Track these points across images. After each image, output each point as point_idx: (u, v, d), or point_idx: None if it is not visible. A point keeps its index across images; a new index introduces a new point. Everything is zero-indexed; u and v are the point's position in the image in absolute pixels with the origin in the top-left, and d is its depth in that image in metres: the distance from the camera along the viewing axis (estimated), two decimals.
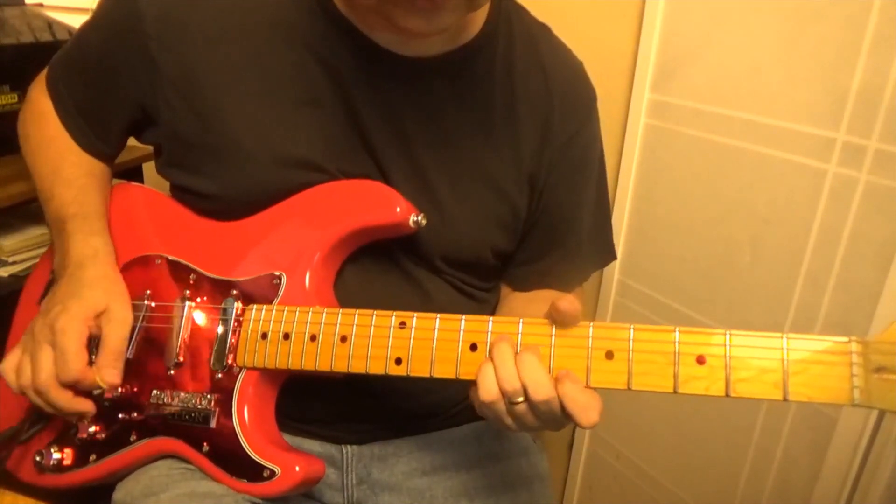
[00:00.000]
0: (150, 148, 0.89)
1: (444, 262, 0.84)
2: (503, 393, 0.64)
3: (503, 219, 0.85)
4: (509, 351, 0.64)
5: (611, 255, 0.99)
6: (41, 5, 1.45)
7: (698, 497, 1.25)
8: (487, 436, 0.95)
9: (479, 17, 0.82)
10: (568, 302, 0.63)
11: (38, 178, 0.90)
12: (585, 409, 0.63)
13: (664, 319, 1.24)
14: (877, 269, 0.93)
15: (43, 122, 0.91)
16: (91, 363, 0.77)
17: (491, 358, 0.65)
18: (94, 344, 0.78)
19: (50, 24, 1.35)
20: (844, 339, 0.57)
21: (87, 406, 0.79)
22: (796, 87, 1.00)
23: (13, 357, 0.78)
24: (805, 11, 0.98)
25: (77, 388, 0.77)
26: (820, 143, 0.98)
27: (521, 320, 0.67)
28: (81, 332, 0.76)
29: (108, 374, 0.77)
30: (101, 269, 0.81)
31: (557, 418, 0.64)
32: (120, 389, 0.81)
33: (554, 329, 0.65)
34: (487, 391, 0.64)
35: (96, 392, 0.79)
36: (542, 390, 0.63)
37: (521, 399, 0.64)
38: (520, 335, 0.66)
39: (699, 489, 1.24)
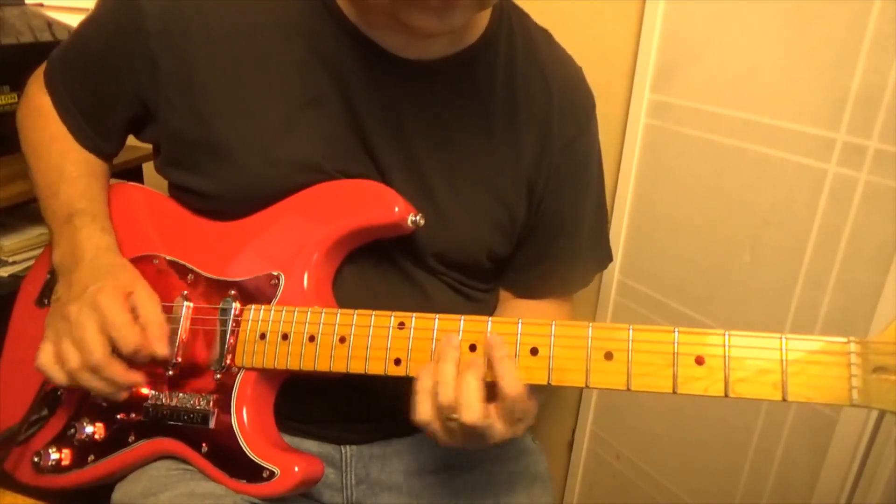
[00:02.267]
0: (150, 148, 0.89)
1: (437, 261, 0.84)
2: (439, 409, 0.67)
3: (500, 222, 0.85)
4: (452, 370, 0.67)
5: (608, 259, 1.00)
6: (41, 5, 1.46)
7: (698, 497, 1.25)
8: None
9: (482, 20, 0.82)
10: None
11: (40, 175, 0.90)
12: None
13: (664, 319, 1.24)
14: (877, 269, 0.93)
15: (42, 119, 0.91)
16: None
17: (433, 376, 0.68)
18: None
19: (50, 24, 1.36)
20: (843, 339, 0.57)
21: (139, 378, 0.78)
22: (796, 87, 1.00)
23: (47, 351, 0.77)
24: (805, 11, 0.98)
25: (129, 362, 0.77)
26: (820, 143, 0.98)
27: (521, 321, 0.67)
28: (125, 306, 0.76)
29: (161, 346, 0.77)
30: (118, 259, 0.83)
31: (482, 440, 0.68)
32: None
33: (553, 329, 0.65)
34: (422, 413, 0.68)
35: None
36: (473, 413, 0.65)
37: (455, 417, 0.66)
38: (519, 335, 0.66)
39: (699, 489, 1.24)
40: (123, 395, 0.79)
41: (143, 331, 0.76)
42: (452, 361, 0.67)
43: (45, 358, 0.77)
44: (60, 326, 0.77)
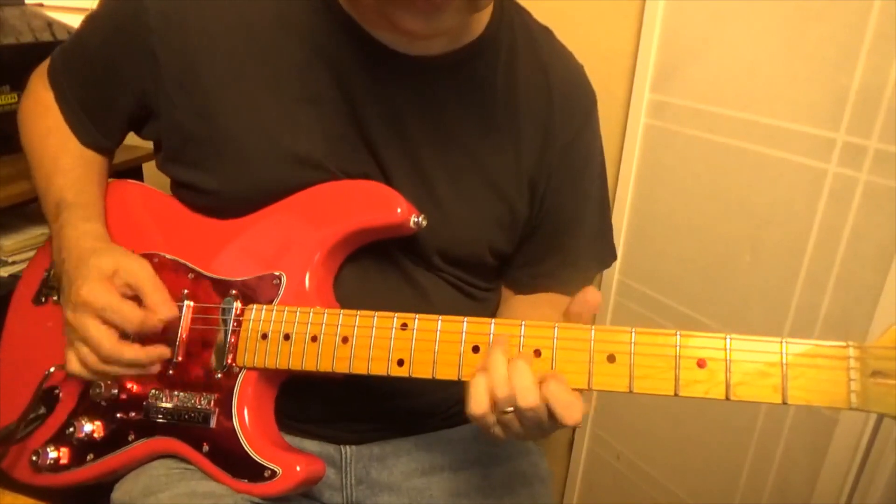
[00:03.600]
0: (150, 148, 0.89)
1: (441, 258, 0.84)
2: (495, 400, 0.64)
3: (502, 219, 0.85)
4: (502, 359, 0.65)
5: (612, 257, 0.99)
6: (41, 5, 1.46)
7: (698, 497, 1.25)
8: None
9: (483, 17, 0.82)
10: (593, 293, 0.65)
11: (37, 168, 0.90)
12: (568, 406, 0.63)
13: (664, 319, 1.24)
14: (877, 269, 0.93)
15: (43, 112, 0.91)
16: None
17: (485, 367, 0.65)
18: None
19: (50, 24, 1.36)
20: (842, 343, 0.58)
21: (161, 349, 0.79)
22: (796, 87, 1.00)
23: (70, 357, 0.78)
24: (805, 11, 0.98)
25: (142, 338, 0.78)
26: (820, 143, 0.98)
27: (524, 323, 0.66)
28: (111, 290, 0.76)
29: (164, 309, 0.77)
30: (96, 242, 0.82)
31: (543, 426, 0.65)
32: (116, 391, 0.81)
33: (556, 332, 0.65)
34: (478, 404, 0.65)
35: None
36: (529, 396, 0.63)
37: (511, 409, 0.64)
38: (522, 337, 0.66)
39: (699, 489, 1.24)
40: (156, 369, 0.79)
41: (144, 300, 0.77)
42: (502, 352, 0.65)
43: (72, 364, 0.78)
44: (69, 332, 0.79)
